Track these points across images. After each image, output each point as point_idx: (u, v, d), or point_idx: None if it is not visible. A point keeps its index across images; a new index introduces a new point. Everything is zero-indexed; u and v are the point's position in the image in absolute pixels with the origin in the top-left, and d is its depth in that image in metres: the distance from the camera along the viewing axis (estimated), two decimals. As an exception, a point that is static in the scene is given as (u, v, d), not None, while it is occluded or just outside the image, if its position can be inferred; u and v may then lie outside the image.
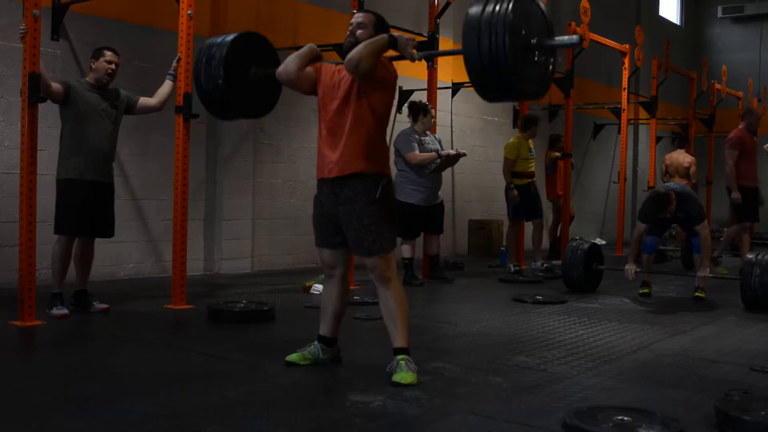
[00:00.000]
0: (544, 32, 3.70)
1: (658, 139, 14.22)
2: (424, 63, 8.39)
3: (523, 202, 9.27)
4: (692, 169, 11.40)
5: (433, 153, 7.71)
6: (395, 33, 4.06)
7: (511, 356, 4.70)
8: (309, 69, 4.23)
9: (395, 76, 4.21)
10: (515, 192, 9.20)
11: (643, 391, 4.01)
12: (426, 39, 8.36)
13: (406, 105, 8.31)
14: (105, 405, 3.53)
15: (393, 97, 4.25)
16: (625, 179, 12.75)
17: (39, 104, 5.31)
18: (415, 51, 4.02)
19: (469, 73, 3.61)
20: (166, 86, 6.14)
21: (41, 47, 5.35)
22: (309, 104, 9.39)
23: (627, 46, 12.45)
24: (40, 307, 5.39)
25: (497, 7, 3.52)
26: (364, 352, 4.62)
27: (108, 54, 5.81)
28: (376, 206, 4.05)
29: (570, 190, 11.17)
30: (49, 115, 6.77)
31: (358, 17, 4.22)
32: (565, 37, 3.85)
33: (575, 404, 3.60)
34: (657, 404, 3.63)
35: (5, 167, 6.82)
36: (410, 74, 10.40)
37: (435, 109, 8.45)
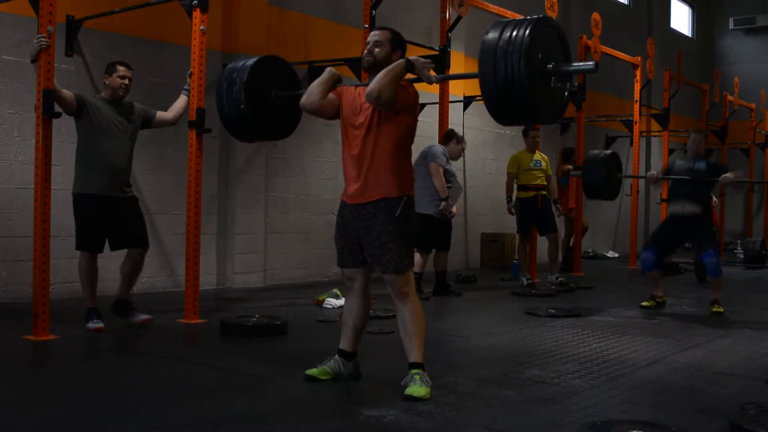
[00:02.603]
0: (561, 57, 3.68)
1: (671, 151, 14.20)
2: (435, 76, 8.40)
3: (529, 214, 9.24)
4: None
5: (446, 193, 7.69)
6: (412, 57, 4.07)
7: (524, 370, 4.68)
8: (331, 95, 4.25)
9: (416, 98, 4.21)
10: (509, 206, 9.28)
11: (658, 404, 3.99)
12: (438, 53, 8.39)
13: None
14: (118, 419, 3.54)
15: (416, 119, 4.26)
16: (638, 192, 12.72)
17: (53, 119, 5.35)
18: (432, 73, 4.02)
19: (485, 98, 3.60)
20: (181, 101, 6.18)
21: (55, 63, 5.39)
22: (321, 118, 9.41)
23: (639, 58, 12.44)
24: (53, 321, 5.41)
25: (514, 33, 3.51)
26: (377, 365, 4.61)
27: (121, 69, 5.85)
28: (394, 226, 4.06)
29: (582, 203, 11.15)
30: (63, 129, 6.81)
31: (374, 35, 4.23)
32: (581, 63, 3.84)
33: (589, 418, 3.59)
34: (671, 418, 3.61)
35: (19, 182, 6.86)
36: (422, 88, 10.36)
37: (446, 121, 8.48)
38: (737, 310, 7.46)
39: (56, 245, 6.21)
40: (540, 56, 3.57)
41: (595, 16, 11.11)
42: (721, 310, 7.16)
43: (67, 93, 5.61)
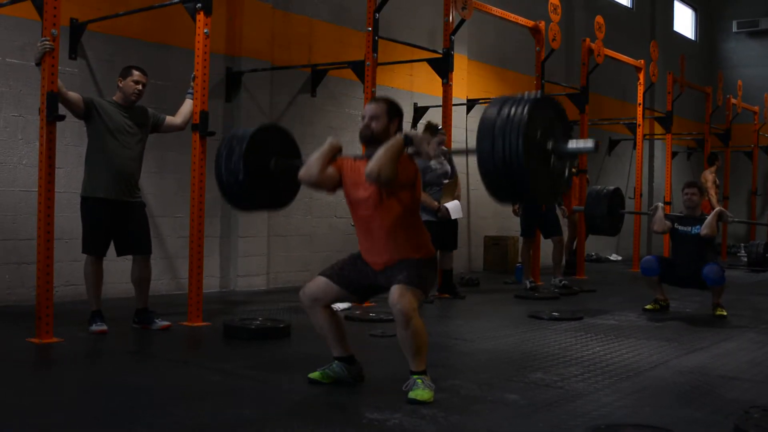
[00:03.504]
0: (561, 136, 3.63)
1: (674, 154, 14.20)
2: (439, 80, 8.41)
3: (533, 218, 9.24)
4: (707, 185, 11.70)
5: (434, 203, 7.64)
6: (410, 131, 4.02)
7: (527, 373, 4.68)
8: (331, 169, 4.19)
9: (417, 172, 4.15)
10: (515, 206, 9.32)
11: (661, 408, 3.98)
12: (441, 56, 8.39)
13: (420, 123, 8.31)
14: (121, 422, 3.54)
15: (419, 187, 4.22)
16: (641, 195, 12.71)
17: (57, 122, 5.36)
18: (431, 147, 3.99)
19: (482, 175, 3.53)
20: (187, 105, 6.18)
21: (59, 66, 5.40)
22: (324, 120, 9.45)
23: (642, 61, 12.44)
24: (57, 324, 5.41)
25: (513, 111, 3.45)
26: (380, 369, 4.61)
27: (136, 74, 5.85)
28: (414, 270, 4.02)
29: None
30: (67, 132, 6.84)
31: (370, 109, 4.18)
32: (581, 143, 3.79)
33: (593, 422, 3.58)
34: (675, 422, 3.61)
35: (23, 185, 6.87)
36: (426, 91, 10.47)
37: (450, 125, 8.46)
38: (741, 313, 7.46)
39: (60, 248, 6.21)
40: (539, 135, 3.51)
41: (599, 19, 11.12)
42: (725, 313, 7.15)
43: (73, 95, 5.62)
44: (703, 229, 7.12)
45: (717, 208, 7.35)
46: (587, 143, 3.69)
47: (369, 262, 4.18)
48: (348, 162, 4.24)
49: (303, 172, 4.21)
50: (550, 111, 3.62)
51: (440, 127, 7.98)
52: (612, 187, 8.49)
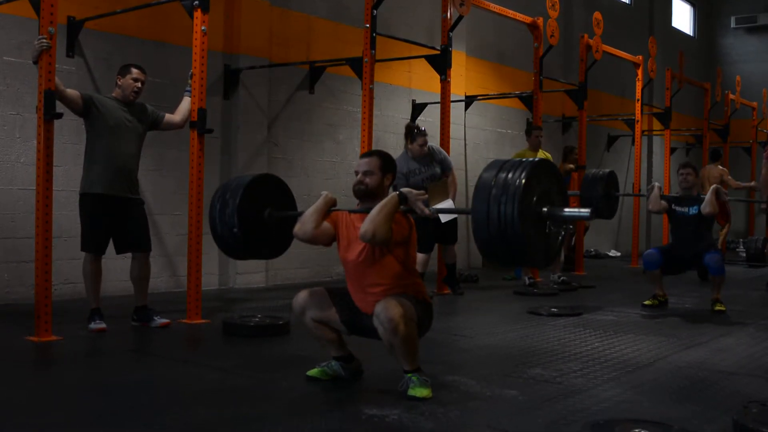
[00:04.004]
0: (557, 200, 3.62)
1: (673, 150, 14.19)
2: (437, 77, 8.40)
3: None
4: (725, 177, 11.91)
5: (426, 211, 7.52)
6: (404, 189, 3.98)
7: (526, 369, 4.68)
8: (326, 224, 4.16)
9: (411, 229, 4.12)
10: None
11: (661, 403, 3.98)
12: (439, 52, 8.38)
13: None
14: (121, 420, 3.54)
15: (414, 244, 4.17)
16: (640, 190, 12.71)
17: (55, 120, 5.35)
18: (425, 206, 3.96)
19: (476, 238, 3.52)
20: (185, 103, 6.18)
21: (56, 64, 5.40)
22: (323, 118, 9.44)
23: (640, 57, 12.44)
24: (56, 322, 5.41)
25: (509, 175, 3.44)
26: (379, 365, 4.61)
27: (135, 71, 5.86)
28: (407, 299, 3.99)
29: (584, 202, 11.12)
30: (64, 130, 6.83)
31: (363, 165, 4.16)
32: (576, 210, 3.77)
33: (592, 417, 3.59)
34: (674, 417, 3.61)
35: (21, 183, 6.86)
36: (424, 88, 10.46)
37: (448, 122, 8.45)
38: (739, 308, 7.46)
39: (58, 246, 6.21)
40: (535, 200, 3.50)
41: (597, 15, 11.11)
42: (723, 308, 7.15)
43: (72, 92, 5.62)
44: (705, 207, 7.13)
45: (713, 186, 7.34)
46: (582, 211, 3.71)
47: (359, 306, 4.16)
48: (343, 217, 4.21)
49: (297, 228, 4.18)
50: (547, 175, 3.61)
51: (422, 128, 7.96)
52: (607, 170, 8.56)
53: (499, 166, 3.54)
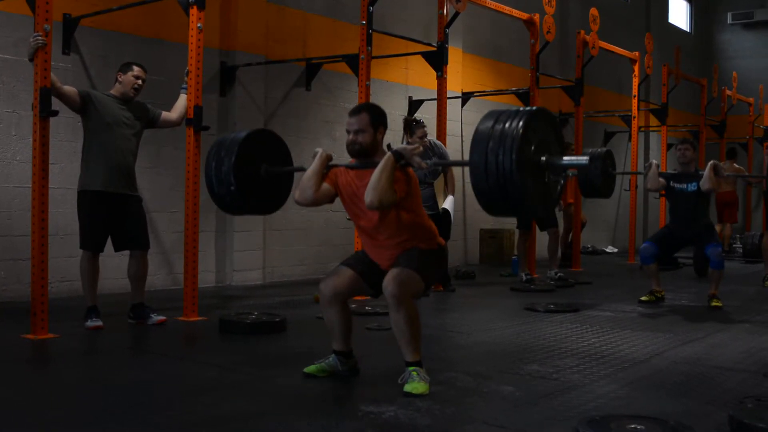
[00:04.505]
0: (555, 149, 3.62)
1: (669, 146, 14.19)
2: (434, 73, 8.40)
3: None
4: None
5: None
6: (399, 146, 3.98)
7: (523, 365, 4.68)
8: (325, 185, 4.18)
9: (410, 179, 4.11)
10: None
11: (657, 399, 3.99)
12: (435, 49, 8.38)
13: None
14: (117, 418, 3.54)
15: (417, 188, 4.18)
16: (636, 187, 12.73)
17: (51, 118, 5.34)
18: (421, 159, 3.98)
19: (475, 189, 3.51)
20: (181, 100, 6.17)
21: (52, 61, 5.39)
22: (320, 115, 9.44)
23: (637, 53, 12.45)
24: (52, 320, 5.41)
25: (507, 124, 3.43)
26: (376, 362, 4.61)
27: (136, 69, 5.86)
28: (417, 260, 4.03)
29: (581, 198, 11.15)
30: (61, 128, 6.83)
31: (353, 123, 4.16)
32: (575, 158, 3.77)
33: (588, 413, 3.59)
34: (670, 412, 3.61)
35: (18, 181, 6.85)
36: (420, 84, 10.46)
37: (444, 118, 8.45)
38: (736, 304, 7.47)
39: (54, 244, 6.21)
40: (533, 148, 3.49)
41: (593, 11, 11.11)
42: (720, 304, 7.17)
43: (69, 89, 5.61)
44: (705, 184, 7.11)
45: (711, 162, 7.33)
46: (581, 158, 3.70)
47: (375, 261, 4.20)
48: (342, 174, 4.22)
49: (298, 196, 4.20)
50: (545, 123, 3.61)
51: (420, 119, 7.95)
52: (604, 148, 8.53)
53: (496, 116, 3.53)
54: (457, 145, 11.22)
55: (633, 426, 3.28)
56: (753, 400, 3.63)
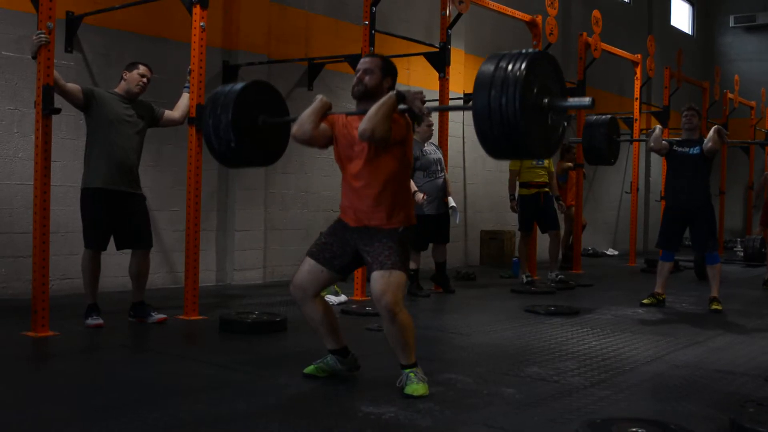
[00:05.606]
0: (558, 92, 3.62)
1: (671, 148, 14.17)
2: (436, 74, 8.40)
3: (531, 212, 9.23)
4: None
5: (419, 195, 7.49)
6: (402, 89, 4.00)
7: (523, 367, 4.68)
8: (323, 125, 4.16)
9: (409, 128, 4.13)
10: (513, 203, 9.26)
11: (657, 402, 3.99)
12: (438, 50, 8.38)
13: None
14: (117, 416, 3.54)
15: (411, 146, 4.20)
16: (638, 190, 12.73)
17: (53, 115, 5.34)
18: (423, 104, 3.96)
19: (478, 131, 3.51)
20: (184, 99, 6.18)
21: (55, 59, 5.39)
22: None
23: (639, 56, 12.44)
24: (53, 318, 5.41)
25: (510, 66, 3.43)
26: (376, 363, 4.61)
27: (142, 68, 5.86)
28: (395, 242, 4.02)
29: (582, 201, 11.15)
30: (63, 126, 6.83)
31: (364, 63, 4.16)
32: (577, 99, 3.77)
33: (588, 416, 3.59)
34: (671, 416, 3.61)
35: (19, 178, 6.85)
36: (423, 85, 10.42)
37: (447, 119, 8.46)
38: (737, 307, 7.47)
39: (56, 242, 6.20)
40: (536, 91, 3.49)
41: (596, 13, 11.11)
42: (720, 308, 7.17)
43: (72, 86, 5.61)
44: (707, 143, 7.15)
45: (715, 126, 7.34)
46: (583, 100, 3.70)
47: (346, 219, 4.15)
48: (340, 118, 4.21)
49: (296, 129, 4.16)
50: (548, 66, 3.62)
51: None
52: (608, 115, 8.56)
53: (499, 58, 3.53)
54: (458, 146, 11.21)
55: (634, 429, 3.28)
56: (754, 404, 3.62)
